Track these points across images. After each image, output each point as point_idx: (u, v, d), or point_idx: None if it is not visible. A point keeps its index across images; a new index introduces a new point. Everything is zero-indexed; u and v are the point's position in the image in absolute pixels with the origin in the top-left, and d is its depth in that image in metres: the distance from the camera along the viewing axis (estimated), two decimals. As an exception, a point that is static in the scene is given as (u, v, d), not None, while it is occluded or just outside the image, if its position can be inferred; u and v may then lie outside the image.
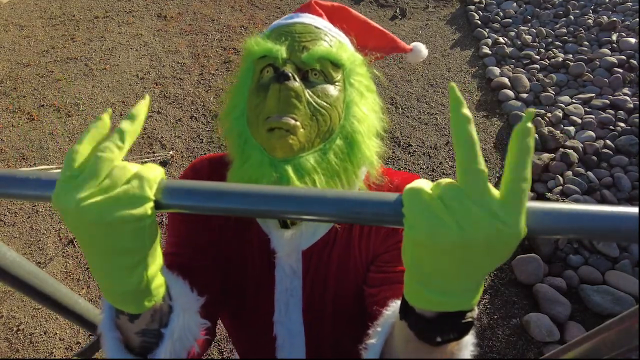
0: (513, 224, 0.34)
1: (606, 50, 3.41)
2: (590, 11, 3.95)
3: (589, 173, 2.51)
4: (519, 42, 3.73)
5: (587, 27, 3.76)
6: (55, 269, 2.42)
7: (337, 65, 0.60)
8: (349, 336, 0.72)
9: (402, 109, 3.28)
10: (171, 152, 3.03)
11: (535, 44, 3.69)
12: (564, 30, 3.76)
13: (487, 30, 3.94)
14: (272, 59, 0.59)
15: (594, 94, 3.07)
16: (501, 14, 4.14)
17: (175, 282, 0.52)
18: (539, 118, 2.93)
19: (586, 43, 3.57)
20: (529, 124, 0.34)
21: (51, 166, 2.88)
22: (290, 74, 0.55)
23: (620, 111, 2.87)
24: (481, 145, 2.96)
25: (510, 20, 4.04)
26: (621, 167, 2.54)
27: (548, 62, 3.45)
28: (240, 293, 0.72)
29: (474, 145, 0.35)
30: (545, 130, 2.79)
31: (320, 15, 0.67)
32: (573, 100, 3.07)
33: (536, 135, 2.82)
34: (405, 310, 0.43)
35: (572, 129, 2.84)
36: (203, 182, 0.41)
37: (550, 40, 3.71)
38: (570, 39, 3.67)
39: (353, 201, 0.38)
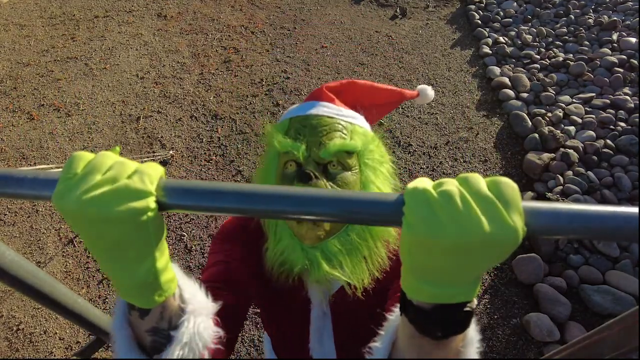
0: (512, 227, 0.34)
1: (607, 50, 3.40)
2: (591, 11, 3.95)
3: (590, 173, 2.51)
4: (520, 42, 3.73)
5: (588, 26, 3.76)
6: (55, 268, 2.42)
7: (351, 152, 0.67)
8: None
9: (402, 108, 3.28)
10: (171, 152, 3.03)
11: (535, 43, 3.69)
12: (565, 29, 3.76)
13: (487, 29, 3.94)
14: (294, 157, 0.66)
15: (594, 94, 3.06)
16: (501, 13, 4.13)
17: (190, 285, 0.51)
18: (540, 118, 2.93)
19: (587, 42, 3.56)
20: None
21: (51, 165, 2.88)
22: (311, 174, 0.62)
23: (620, 111, 2.87)
24: (481, 145, 2.96)
25: (511, 19, 4.03)
26: (622, 166, 2.54)
27: (548, 61, 3.45)
28: (281, 322, 0.83)
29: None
30: (546, 130, 2.79)
31: (331, 100, 0.72)
32: (573, 100, 3.07)
33: (536, 135, 2.82)
34: (404, 304, 0.44)
35: (572, 128, 2.84)
36: (203, 182, 0.41)
37: (550, 39, 3.71)
38: (571, 38, 3.67)
39: (352, 201, 0.38)
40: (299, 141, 0.66)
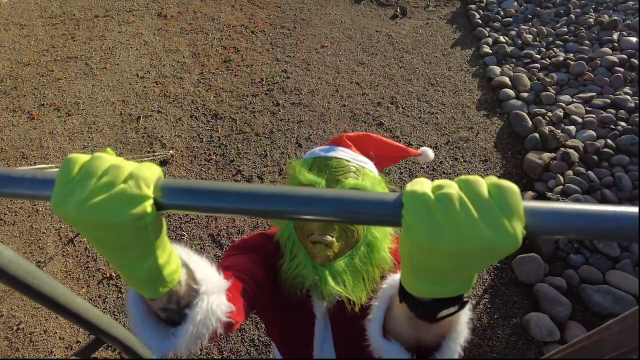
0: (511, 234, 0.34)
1: (607, 49, 3.40)
2: (591, 10, 3.94)
3: (590, 172, 2.51)
4: (520, 41, 3.72)
5: (588, 26, 3.76)
6: (55, 268, 2.42)
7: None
8: None
9: (402, 108, 3.28)
10: (171, 152, 3.02)
11: (536, 43, 3.69)
12: (565, 29, 3.75)
13: (487, 29, 3.93)
14: None
15: (594, 93, 3.06)
16: (502, 13, 4.13)
17: (202, 266, 0.54)
18: (540, 117, 2.92)
19: (587, 42, 3.56)
20: None
21: (51, 165, 2.88)
22: None
23: (621, 110, 2.87)
24: (481, 145, 2.95)
25: (511, 19, 4.03)
26: (622, 166, 2.53)
27: (549, 61, 3.44)
28: (287, 332, 0.92)
29: None
30: (546, 129, 2.79)
31: (349, 146, 0.85)
32: (574, 100, 3.06)
33: (537, 135, 2.82)
34: (404, 294, 0.46)
35: (572, 128, 2.84)
36: (201, 182, 0.40)
37: (551, 39, 3.70)
38: (571, 38, 3.66)
39: (352, 201, 0.38)
40: (321, 177, 0.78)
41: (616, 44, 3.47)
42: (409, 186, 0.37)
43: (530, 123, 2.93)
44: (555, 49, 3.57)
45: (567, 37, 3.68)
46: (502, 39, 3.75)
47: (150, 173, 0.40)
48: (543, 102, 3.11)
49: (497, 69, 3.46)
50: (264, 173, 2.85)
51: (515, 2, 4.24)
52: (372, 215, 0.38)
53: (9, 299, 2.30)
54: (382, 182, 0.85)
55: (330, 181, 0.78)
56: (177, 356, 1.70)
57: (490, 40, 3.78)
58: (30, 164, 2.99)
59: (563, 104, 3.02)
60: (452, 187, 0.36)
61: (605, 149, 2.62)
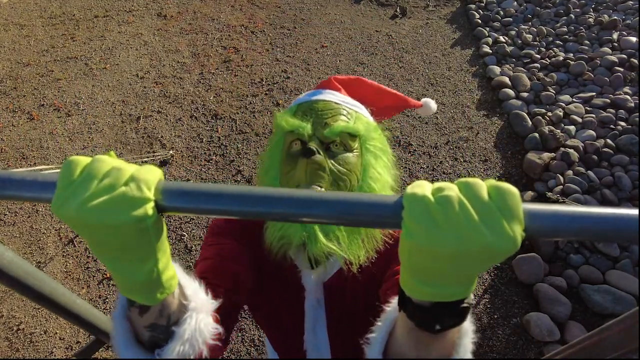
0: (511, 237, 0.34)
1: (607, 49, 3.40)
2: (591, 10, 3.94)
3: (590, 172, 2.51)
4: (520, 41, 3.72)
5: (588, 25, 3.76)
6: (55, 268, 2.42)
7: (354, 135, 0.70)
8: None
9: (402, 108, 3.28)
10: (171, 152, 3.03)
11: (535, 42, 3.69)
12: (565, 29, 3.75)
13: (487, 29, 3.93)
14: (300, 135, 0.69)
15: (594, 93, 3.06)
16: (502, 12, 4.13)
17: (192, 282, 0.53)
18: (540, 117, 2.92)
19: (587, 42, 3.56)
20: None
21: (51, 166, 2.88)
22: (315, 149, 0.65)
23: (620, 110, 2.87)
24: (481, 145, 2.96)
25: (511, 19, 4.03)
26: (622, 166, 2.53)
27: (548, 61, 3.44)
28: (277, 315, 0.84)
29: None
30: (546, 129, 2.79)
31: (338, 89, 0.77)
32: (574, 99, 3.06)
33: (537, 135, 2.82)
34: (403, 300, 0.45)
35: (572, 128, 2.84)
36: (202, 184, 0.40)
37: (550, 39, 3.70)
38: (571, 37, 3.66)
39: (352, 203, 0.38)
40: (306, 121, 0.69)
41: (616, 44, 3.47)
42: (409, 188, 0.38)
43: (530, 123, 2.93)
44: (555, 48, 3.57)
45: (567, 37, 3.68)
46: (502, 38, 3.76)
47: (151, 176, 0.40)
48: (543, 102, 3.11)
49: (497, 69, 3.46)
50: (264, 173, 2.85)
51: (515, 2, 4.24)
52: (373, 217, 0.38)
53: (9, 299, 2.30)
54: (378, 129, 0.75)
55: (317, 124, 0.69)
56: None
57: (490, 40, 3.78)
58: (30, 165, 2.99)
59: (563, 104, 3.03)
60: (452, 189, 0.36)
61: (605, 149, 2.62)
